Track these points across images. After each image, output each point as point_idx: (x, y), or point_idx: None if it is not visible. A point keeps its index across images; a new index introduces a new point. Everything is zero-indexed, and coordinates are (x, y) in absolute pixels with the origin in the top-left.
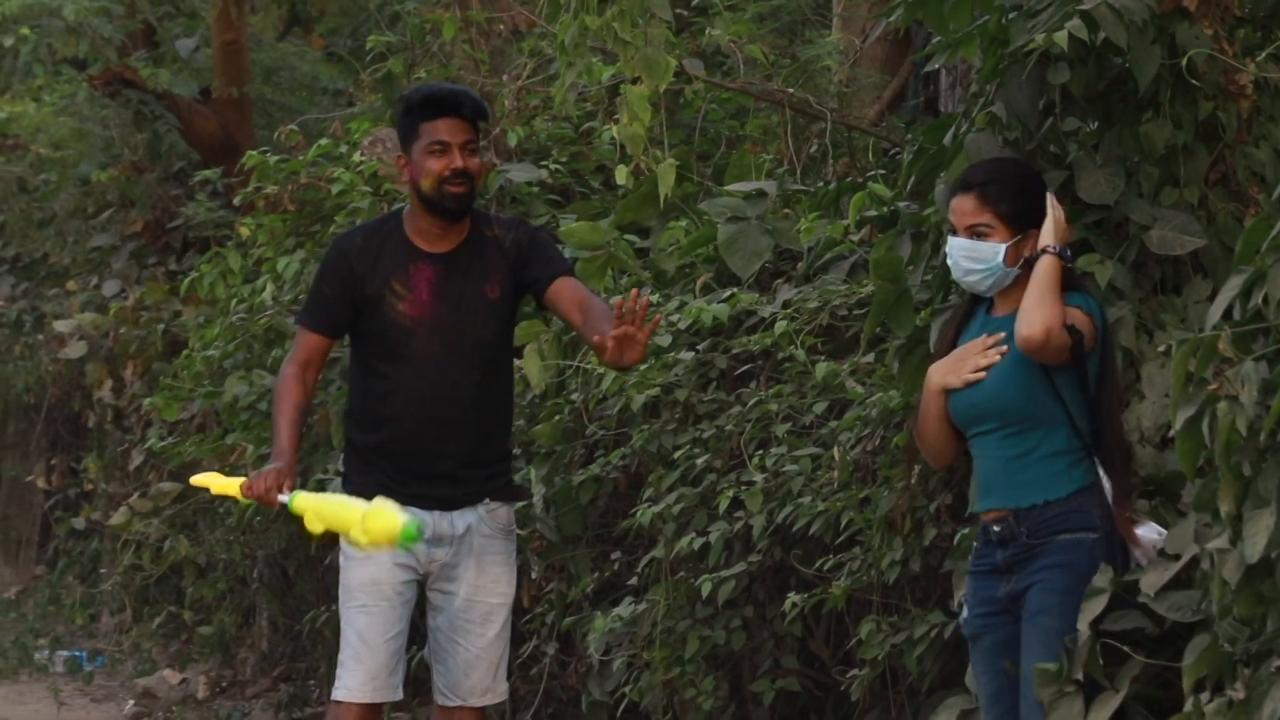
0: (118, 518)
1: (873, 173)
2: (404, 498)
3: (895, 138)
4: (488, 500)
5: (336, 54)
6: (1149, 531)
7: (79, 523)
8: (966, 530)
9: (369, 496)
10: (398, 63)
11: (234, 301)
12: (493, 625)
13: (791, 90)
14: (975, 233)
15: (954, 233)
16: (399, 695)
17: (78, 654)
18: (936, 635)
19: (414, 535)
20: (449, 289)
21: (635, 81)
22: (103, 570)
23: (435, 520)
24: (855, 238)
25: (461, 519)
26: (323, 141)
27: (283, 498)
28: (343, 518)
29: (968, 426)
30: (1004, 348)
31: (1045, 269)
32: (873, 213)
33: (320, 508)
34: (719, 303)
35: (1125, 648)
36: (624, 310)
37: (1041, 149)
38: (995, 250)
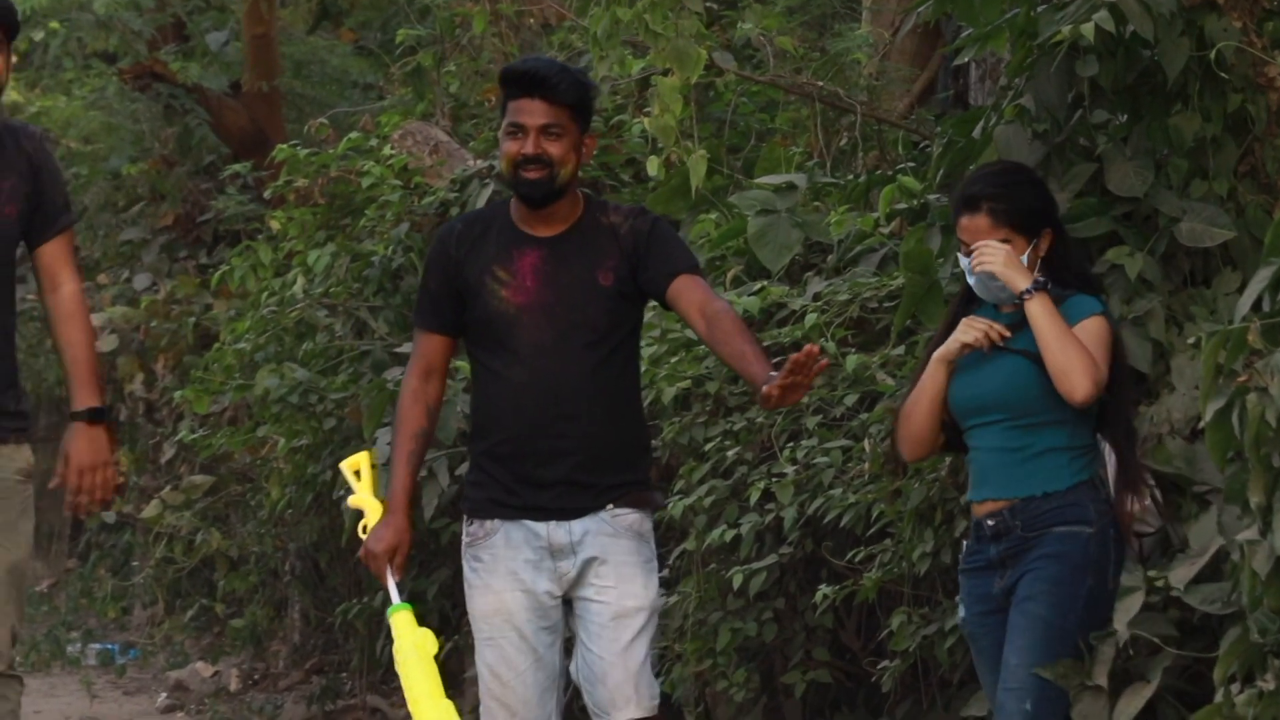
0: (149, 511)
1: (902, 165)
2: (515, 511)
3: (925, 130)
4: (611, 507)
5: (366, 48)
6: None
7: (110, 516)
8: None
9: (480, 513)
10: (427, 56)
11: (265, 295)
12: (627, 629)
13: (821, 83)
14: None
15: (967, 250)
16: None
17: (110, 647)
18: None
19: None
20: (556, 275)
21: (666, 74)
22: (135, 563)
23: (551, 531)
24: (885, 230)
25: (580, 525)
26: (353, 135)
27: (392, 588)
28: (413, 693)
29: (967, 417)
30: (1008, 334)
31: (1042, 314)
32: (903, 205)
33: (407, 661)
34: (749, 295)
35: (1155, 639)
36: (798, 365)
37: (1070, 141)
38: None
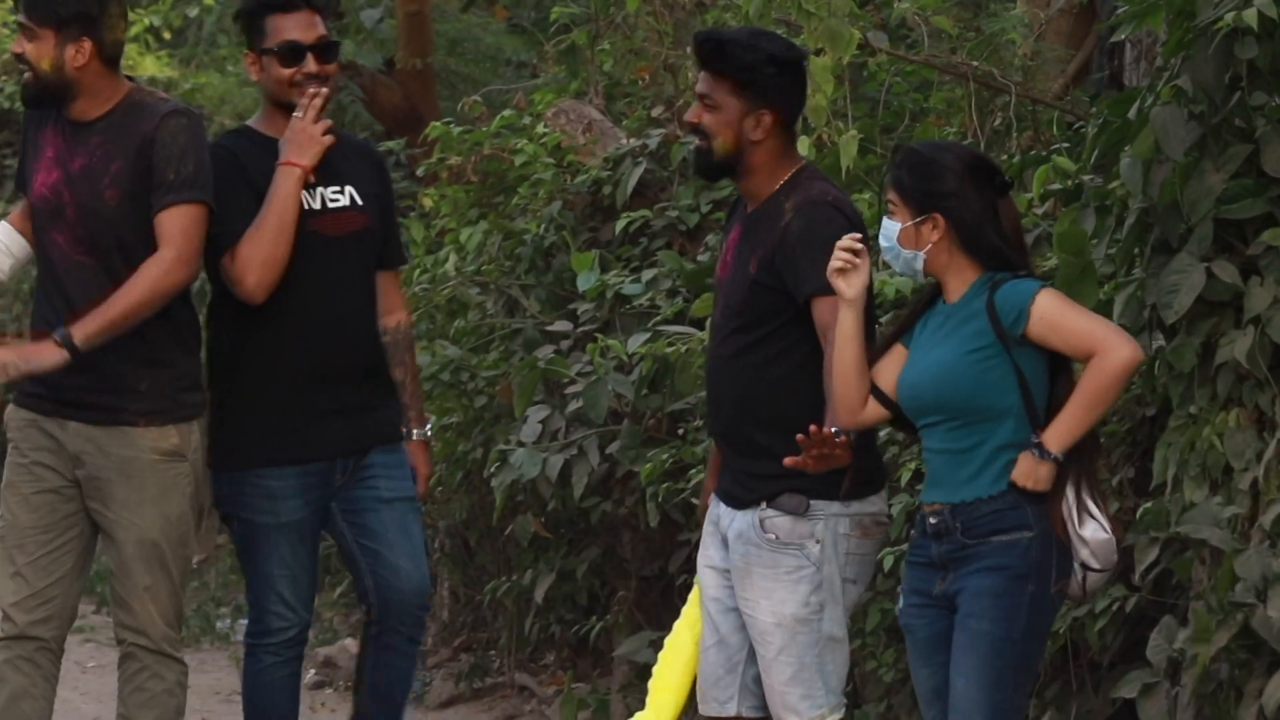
0: None
1: (1057, 146)
2: (716, 488)
3: (1080, 111)
4: (763, 505)
5: (520, 25)
6: (1096, 531)
7: None
8: (1149, 503)
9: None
10: (582, 34)
11: (417, 272)
12: (768, 646)
13: (976, 63)
14: (887, 211)
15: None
16: (729, 712)
17: None
18: (1118, 609)
19: None
20: (738, 253)
21: (819, 53)
22: None
23: (723, 516)
24: (1039, 211)
25: (737, 522)
26: (506, 113)
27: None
28: (663, 667)
29: (916, 417)
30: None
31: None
32: (1057, 186)
33: (676, 639)
34: (901, 275)
35: None
36: (810, 444)
37: (1227, 123)
38: (893, 229)
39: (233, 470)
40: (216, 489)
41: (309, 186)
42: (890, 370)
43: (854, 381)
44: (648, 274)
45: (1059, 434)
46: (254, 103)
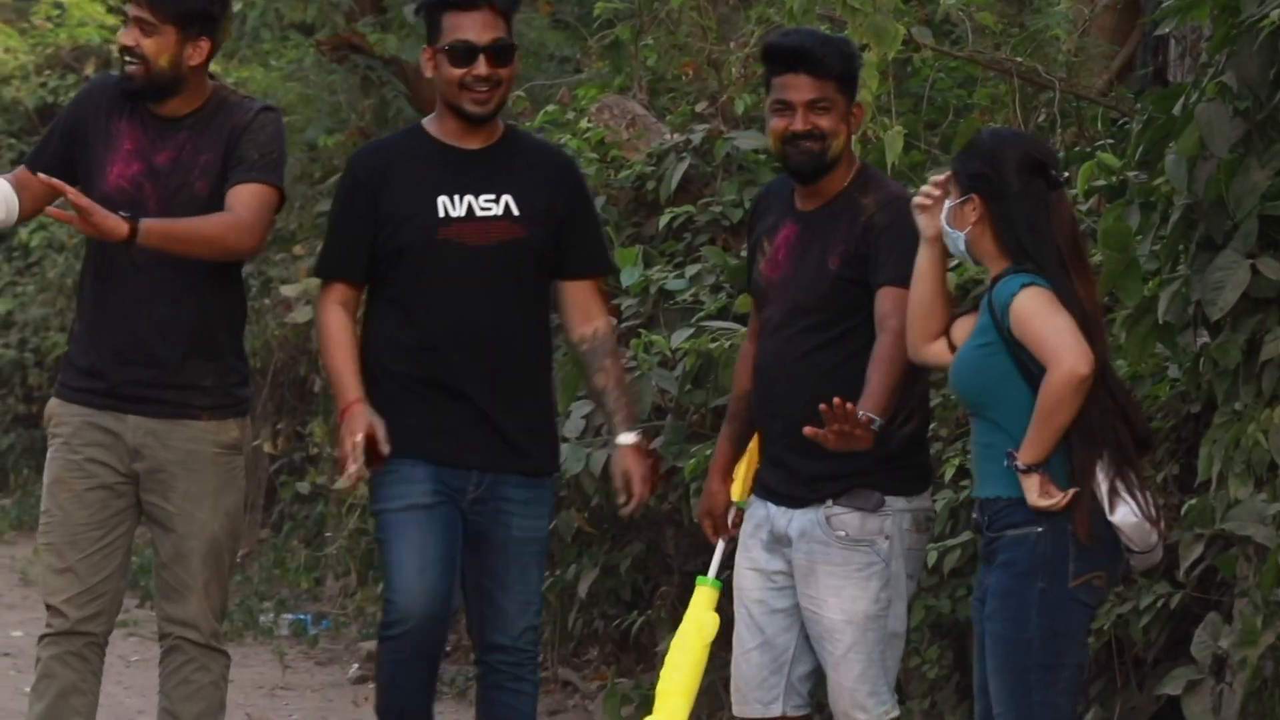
0: (343, 482)
1: (1101, 142)
2: (760, 488)
3: (1124, 107)
4: (829, 502)
5: (564, 20)
6: (1126, 515)
7: (304, 487)
8: (1194, 500)
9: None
10: (625, 29)
11: None
12: (837, 644)
13: (1020, 59)
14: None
15: None
16: (774, 713)
17: (302, 617)
18: (1163, 605)
19: None
20: (798, 251)
21: (863, 49)
22: (328, 534)
23: (775, 516)
24: (1083, 208)
25: (797, 520)
26: (550, 108)
27: (716, 559)
28: (668, 677)
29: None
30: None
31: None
32: (1101, 182)
33: (684, 637)
34: (947, 270)
35: None
36: (832, 416)
37: (1272, 119)
38: (947, 206)
39: (371, 468)
40: (369, 491)
41: (453, 193)
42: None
43: (928, 312)
44: (691, 270)
45: (1027, 445)
46: (297, 97)
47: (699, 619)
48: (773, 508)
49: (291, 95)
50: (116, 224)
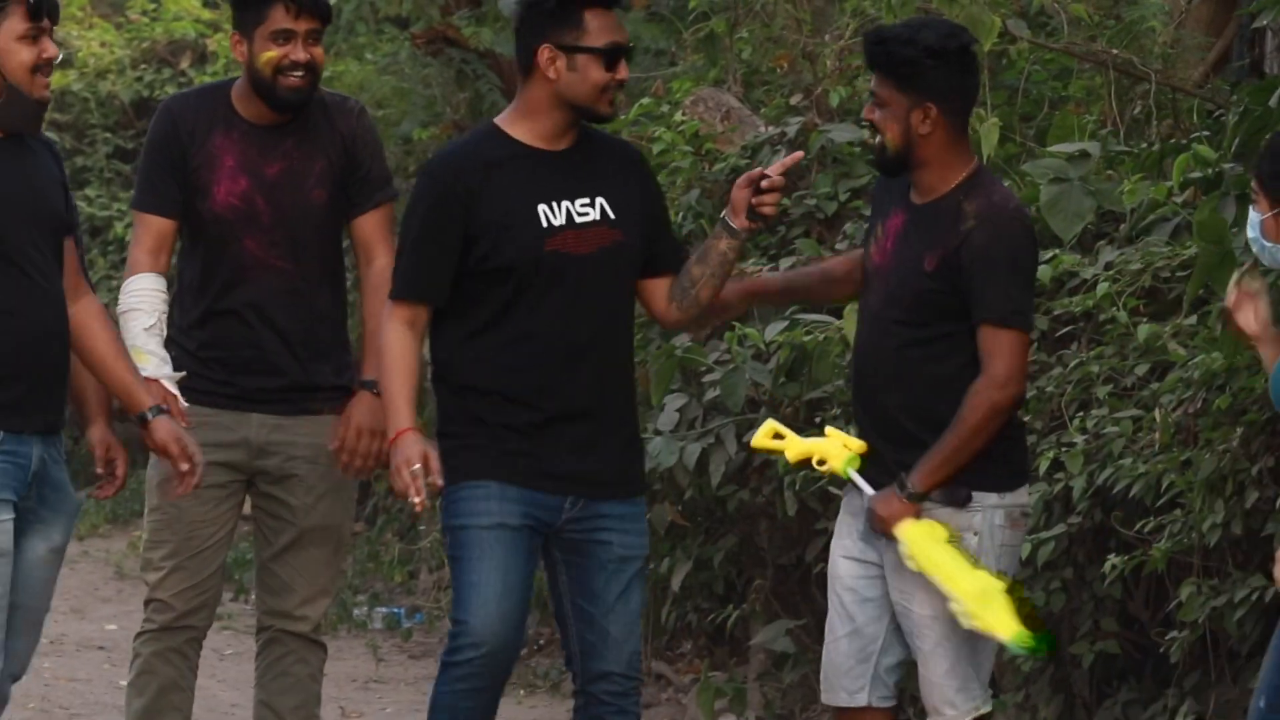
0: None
1: (1197, 134)
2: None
3: (1220, 99)
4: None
5: (659, 13)
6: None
7: None
8: None
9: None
10: (720, 23)
11: None
12: (925, 639)
13: (1115, 51)
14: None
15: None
16: (859, 702)
17: (396, 611)
18: (1257, 599)
19: (1033, 646)
20: (901, 243)
21: None
22: (421, 527)
23: (866, 504)
24: (1179, 199)
25: None
26: (644, 101)
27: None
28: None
29: None
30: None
31: None
32: (1197, 174)
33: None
34: (1041, 264)
35: None
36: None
37: None
38: (1255, 219)
39: (451, 485)
40: (442, 503)
41: (551, 200)
42: None
43: None
44: (785, 262)
45: None
46: (392, 91)
47: (924, 531)
48: (864, 485)
49: (386, 89)
50: (380, 418)
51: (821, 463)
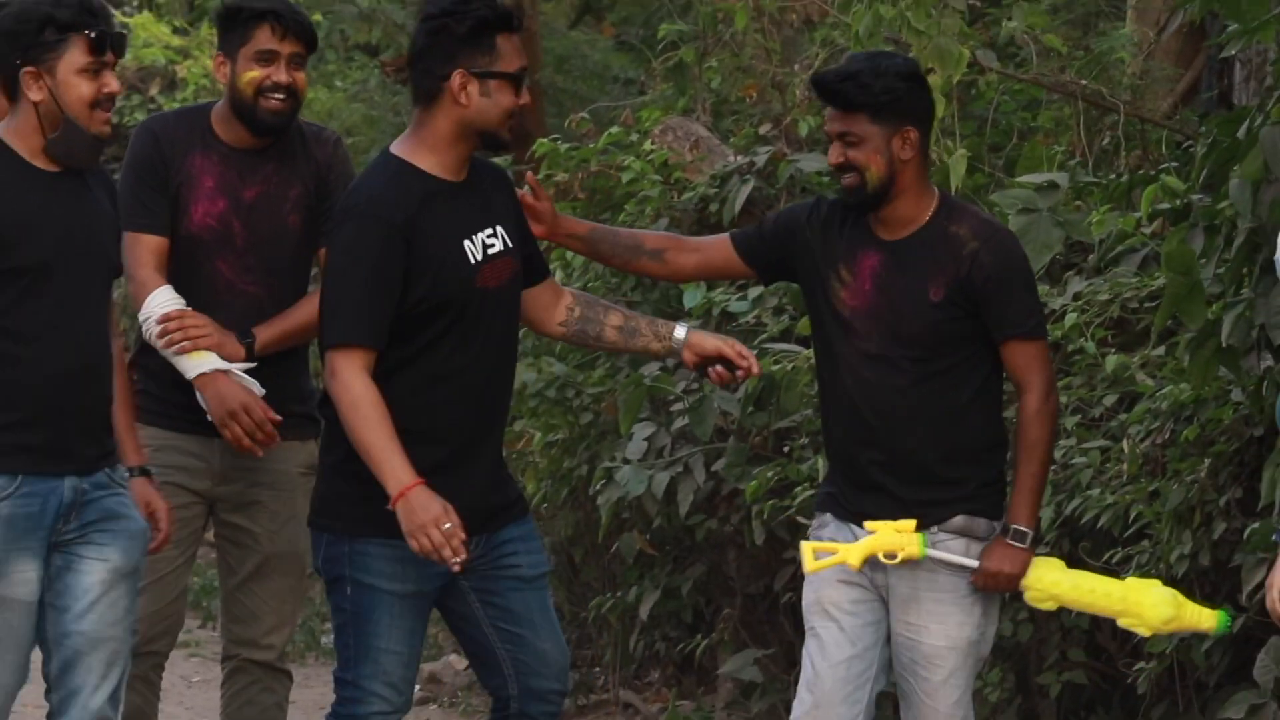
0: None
1: (1165, 165)
2: (844, 512)
3: (1189, 130)
4: (934, 529)
5: (628, 42)
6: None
7: None
8: (1257, 525)
9: (820, 506)
10: (689, 52)
11: None
12: (937, 669)
13: (1084, 82)
14: None
15: None
16: None
17: None
18: None
19: (1225, 623)
20: (888, 281)
21: (928, 72)
22: None
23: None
24: (1147, 230)
25: None
26: (613, 130)
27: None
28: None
29: None
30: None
31: None
32: (1165, 205)
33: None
34: None
35: None
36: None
37: None
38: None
39: (361, 538)
40: (332, 550)
41: (468, 234)
42: None
43: None
44: (754, 291)
45: None
46: (361, 118)
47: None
48: (860, 532)
49: (356, 116)
50: (234, 349)
51: (892, 556)
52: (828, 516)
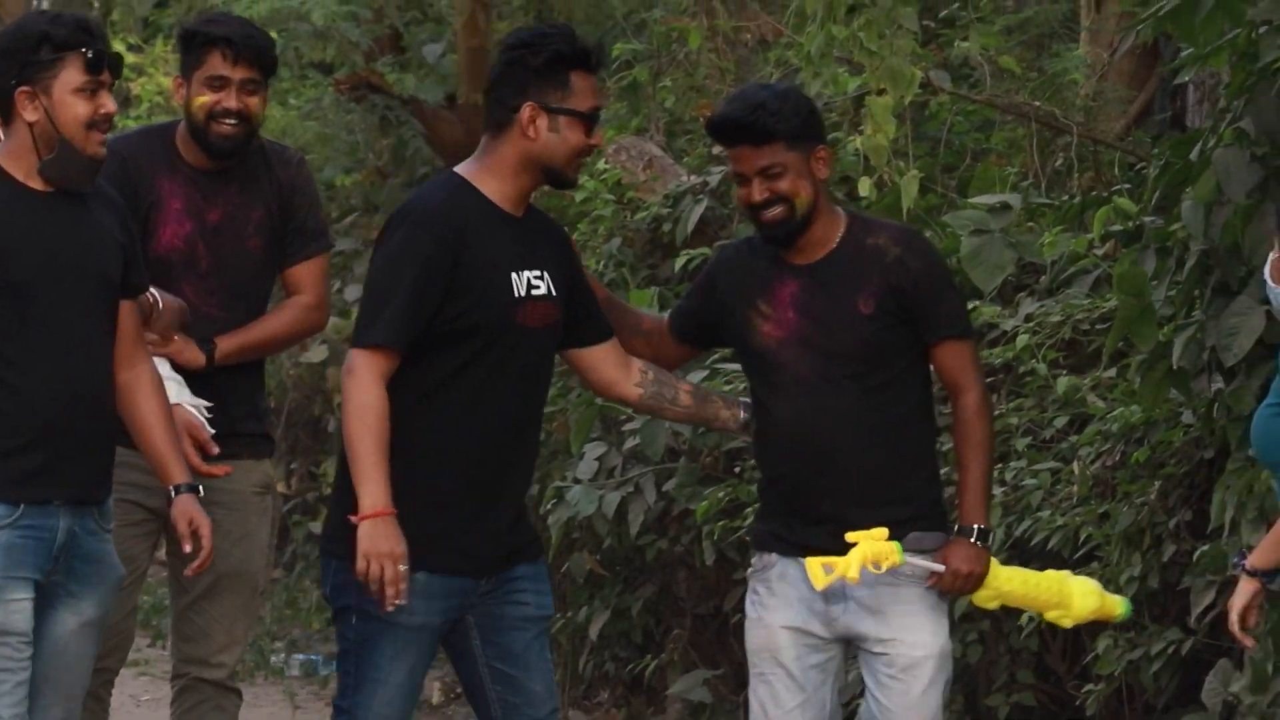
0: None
1: (1118, 187)
2: (791, 548)
3: (1141, 152)
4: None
5: None
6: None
7: (317, 527)
8: (1206, 547)
9: (761, 545)
10: (643, 71)
11: None
12: (917, 679)
13: (1038, 103)
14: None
15: None
16: None
17: (314, 658)
18: (1174, 651)
19: (1128, 608)
20: (811, 304)
21: (880, 93)
22: None
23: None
24: (1099, 252)
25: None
26: None
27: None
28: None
29: None
30: None
31: None
32: (1117, 227)
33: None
34: None
35: None
36: None
37: None
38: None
39: None
40: (340, 578)
41: (516, 268)
42: None
43: None
44: None
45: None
46: (315, 136)
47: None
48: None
49: (309, 134)
50: (194, 355)
51: (877, 565)
52: (772, 556)
